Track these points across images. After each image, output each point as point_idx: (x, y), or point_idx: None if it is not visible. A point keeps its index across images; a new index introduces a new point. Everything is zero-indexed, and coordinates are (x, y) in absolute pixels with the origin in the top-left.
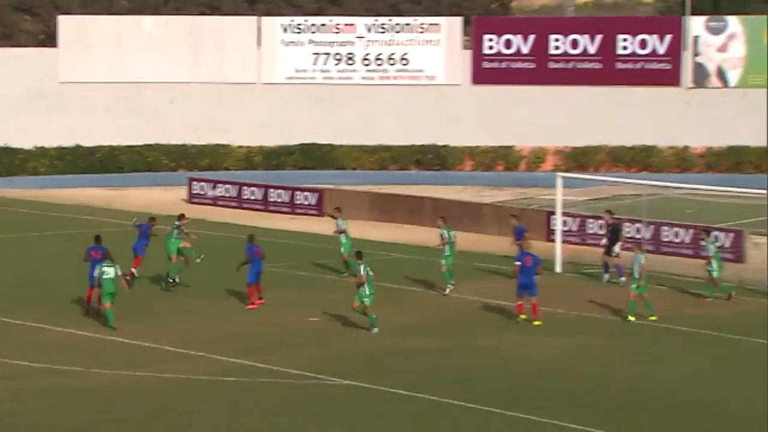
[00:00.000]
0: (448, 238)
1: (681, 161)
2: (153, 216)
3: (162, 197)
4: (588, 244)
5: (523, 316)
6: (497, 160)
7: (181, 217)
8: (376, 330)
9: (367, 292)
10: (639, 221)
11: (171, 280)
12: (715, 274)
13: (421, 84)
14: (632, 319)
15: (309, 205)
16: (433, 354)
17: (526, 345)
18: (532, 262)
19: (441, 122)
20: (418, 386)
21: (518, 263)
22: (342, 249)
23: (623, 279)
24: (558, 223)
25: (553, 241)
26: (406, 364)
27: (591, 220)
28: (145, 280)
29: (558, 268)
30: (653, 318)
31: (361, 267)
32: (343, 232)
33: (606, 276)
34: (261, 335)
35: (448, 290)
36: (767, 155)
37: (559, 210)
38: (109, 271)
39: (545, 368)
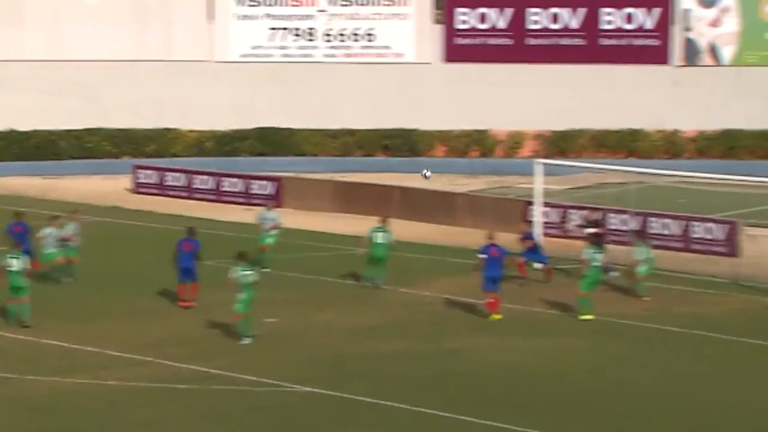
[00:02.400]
0: (370, 239)
1: (670, 146)
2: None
3: (104, 186)
4: (570, 237)
5: (497, 316)
6: (471, 145)
7: (56, 218)
8: (247, 341)
9: (242, 297)
10: (625, 212)
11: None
12: (642, 271)
13: (388, 62)
14: (589, 317)
15: (266, 195)
16: (402, 357)
17: (503, 347)
18: (499, 254)
19: (410, 104)
20: (385, 393)
21: (483, 256)
22: (268, 240)
23: (614, 274)
24: (537, 214)
25: None
26: (373, 368)
27: (573, 211)
28: (83, 278)
29: (537, 264)
30: (583, 317)
31: (238, 269)
32: (276, 227)
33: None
34: (214, 338)
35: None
36: (764, 139)
37: (538, 200)
38: (13, 263)
39: (524, 372)
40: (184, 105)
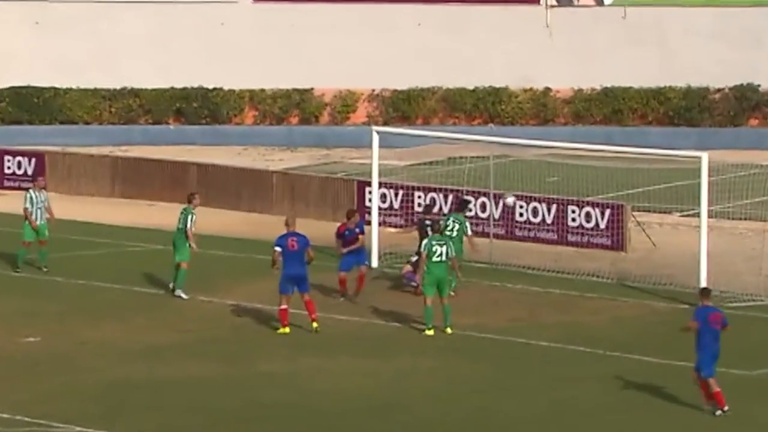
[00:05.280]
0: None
1: (540, 109)
2: None
3: None
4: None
5: (286, 329)
6: (290, 109)
7: None
8: None
9: None
10: (485, 194)
11: None
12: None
13: (182, 1)
14: (430, 333)
15: (24, 175)
16: (199, 385)
17: (331, 370)
18: (299, 246)
19: (211, 56)
20: (177, 431)
21: (278, 248)
22: (46, 232)
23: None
24: (374, 196)
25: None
26: (161, 400)
27: (419, 193)
28: None
29: (375, 261)
30: (429, 333)
31: None
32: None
33: None
34: None
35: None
36: (655, 100)
37: (375, 179)
38: None
39: (355, 404)
40: None
